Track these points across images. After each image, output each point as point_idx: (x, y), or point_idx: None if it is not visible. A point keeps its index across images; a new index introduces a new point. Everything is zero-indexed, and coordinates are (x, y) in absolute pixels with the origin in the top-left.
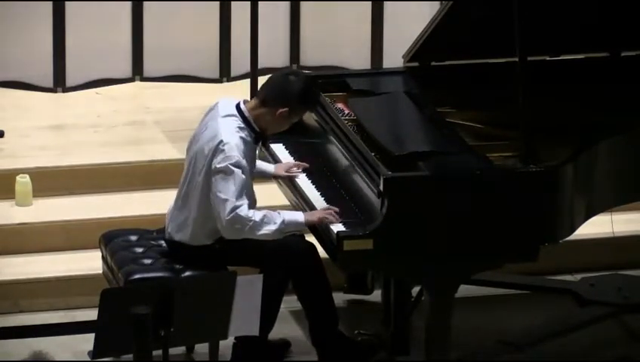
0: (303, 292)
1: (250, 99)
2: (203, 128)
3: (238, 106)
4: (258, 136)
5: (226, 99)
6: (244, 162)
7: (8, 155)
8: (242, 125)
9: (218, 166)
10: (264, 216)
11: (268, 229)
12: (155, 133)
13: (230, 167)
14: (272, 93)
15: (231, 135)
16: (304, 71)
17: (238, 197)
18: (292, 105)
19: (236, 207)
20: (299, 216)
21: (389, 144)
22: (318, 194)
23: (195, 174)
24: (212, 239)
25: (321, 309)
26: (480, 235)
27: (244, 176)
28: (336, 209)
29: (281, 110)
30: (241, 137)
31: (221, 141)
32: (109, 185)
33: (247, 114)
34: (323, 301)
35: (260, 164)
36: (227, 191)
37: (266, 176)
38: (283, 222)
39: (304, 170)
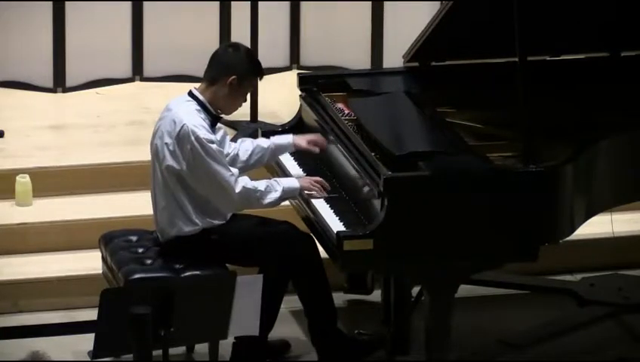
0: (302, 284)
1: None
2: (159, 123)
3: (190, 93)
4: (214, 120)
5: (176, 97)
6: (213, 136)
7: (8, 155)
8: (199, 108)
9: (194, 148)
10: (267, 184)
11: (272, 197)
12: None
13: (206, 144)
14: (217, 67)
15: (192, 117)
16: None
17: (230, 167)
18: (239, 72)
19: (237, 176)
20: (294, 182)
21: (389, 144)
22: None
23: (161, 163)
24: (201, 221)
25: (320, 303)
26: (480, 235)
27: (220, 148)
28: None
29: (230, 79)
30: (202, 117)
31: (184, 124)
32: (109, 185)
33: (200, 97)
34: (321, 294)
35: (277, 139)
36: (219, 167)
37: (285, 151)
38: (283, 189)
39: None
